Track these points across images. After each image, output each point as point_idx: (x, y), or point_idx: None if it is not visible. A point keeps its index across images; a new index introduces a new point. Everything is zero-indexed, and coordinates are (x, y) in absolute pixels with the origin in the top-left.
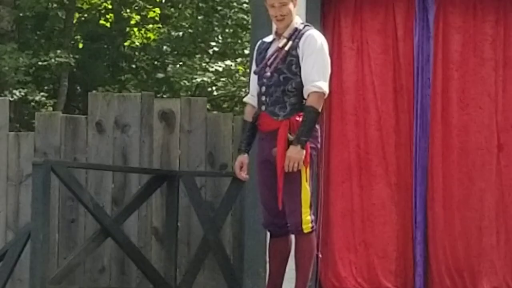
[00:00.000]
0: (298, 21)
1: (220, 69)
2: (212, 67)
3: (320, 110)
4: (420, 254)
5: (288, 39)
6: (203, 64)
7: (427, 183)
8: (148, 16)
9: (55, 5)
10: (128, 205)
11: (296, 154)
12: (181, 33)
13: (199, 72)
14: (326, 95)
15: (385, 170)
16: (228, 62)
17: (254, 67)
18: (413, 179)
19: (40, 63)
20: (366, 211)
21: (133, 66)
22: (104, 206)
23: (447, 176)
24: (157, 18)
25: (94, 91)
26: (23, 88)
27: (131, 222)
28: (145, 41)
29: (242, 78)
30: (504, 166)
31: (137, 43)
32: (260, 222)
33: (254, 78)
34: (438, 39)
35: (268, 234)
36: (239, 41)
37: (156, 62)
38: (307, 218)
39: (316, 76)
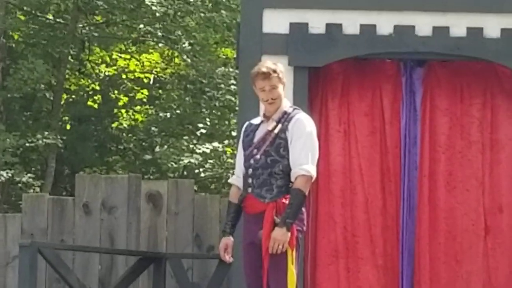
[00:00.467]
0: (287, 104)
1: (208, 150)
2: (200, 148)
3: (307, 193)
4: None
5: (278, 122)
6: (191, 146)
7: (414, 266)
8: (136, 98)
9: (42, 86)
10: (115, 287)
11: (281, 236)
12: (168, 114)
13: (186, 154)
14: (314, 179)
15: (372, 253)
16: (215, 144)
17: (240, 149)
18: (400, 261)
19: (27, 144)
20: None
21: (121, 147)
22: None
23: (434, 258)
24: (145, 100)
25: (81, 173)
26: (10, 169)
27: None
28: (132, 122)
29: (229, 160)
30: (491, 249)
31: (125, 125)
32: None
33: (240, 160)
34: (425, 121)
35: None
36: (226, 122)
37: (143, 144)
38: None
39: (304, 159)
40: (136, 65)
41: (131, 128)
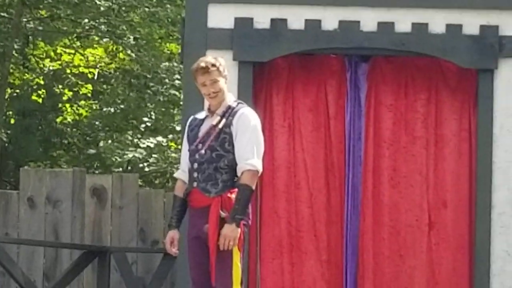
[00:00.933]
0: (231, 98)
1: (152, 145)
2: (144, 143)
3: (253, 188)
4: None
5: (222, 117)
6: (135, 140)
7: (357, 261)
8: (81, 92)
9: None
10: (60, 281)
11: (231, 233)
12: (112, 109)
13: (130, 148)
14: (260, 173)
15: (316, 247)
16: (159, 138)
17: (185, 143)
18: (344, 256)
19: None
20: None
21: (65, 141)
22: (36, 282)
23: (378, 253)
24: (89, 94)
25: (26, 167)
26: None
27: None
28: (77, 117)
29: (173, 154)
30: (434, 244)
31: (69, 119)
32: None
33: (185, 154)
34: (370, 117)
35: None
36: (171, 117)
37: (88, 138)
38: None
39: (250, 154)
40: (81, 59)
41: (75, 123)
